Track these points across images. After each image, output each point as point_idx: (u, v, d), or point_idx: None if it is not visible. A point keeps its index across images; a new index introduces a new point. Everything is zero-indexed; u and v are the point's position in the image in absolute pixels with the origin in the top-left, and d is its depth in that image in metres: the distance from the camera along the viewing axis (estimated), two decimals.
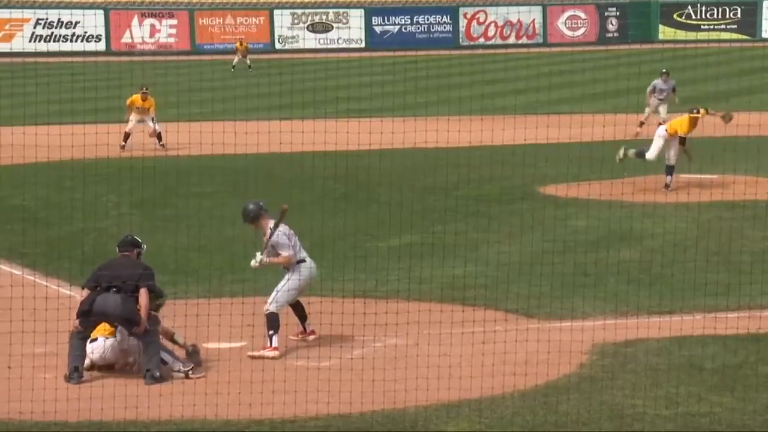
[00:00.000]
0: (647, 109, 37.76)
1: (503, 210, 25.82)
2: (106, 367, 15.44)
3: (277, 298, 16.09)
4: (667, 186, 27.61)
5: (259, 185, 29.08)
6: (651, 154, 27.81)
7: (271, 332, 15.94)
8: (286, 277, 16.21)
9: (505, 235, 23.16)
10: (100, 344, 15.28)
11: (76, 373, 15.05)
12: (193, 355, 15.52)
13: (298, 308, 16.54)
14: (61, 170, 29.07)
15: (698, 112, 27.94)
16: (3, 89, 40.61)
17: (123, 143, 34.87)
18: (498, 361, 14.94)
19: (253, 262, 16.19)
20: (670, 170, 27.78)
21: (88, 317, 15.22)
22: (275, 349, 15.92)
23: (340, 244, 22.39)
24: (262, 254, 16.14)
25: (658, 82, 37.85)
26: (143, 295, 15.19)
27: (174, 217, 25.30)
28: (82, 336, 15.26)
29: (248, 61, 65.94)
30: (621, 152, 27.68)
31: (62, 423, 13.57)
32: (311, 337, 16.52)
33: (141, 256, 15.81)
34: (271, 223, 16.21)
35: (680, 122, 27.99)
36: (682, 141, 27.67)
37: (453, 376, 14.44)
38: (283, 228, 16.20)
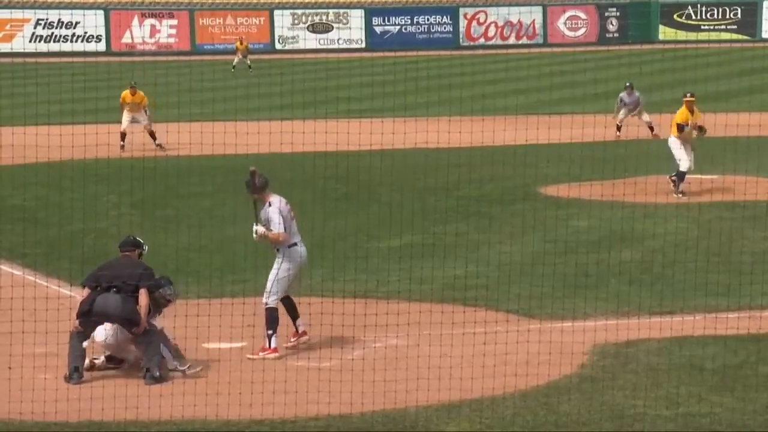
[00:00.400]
0: (620, 115, 37.67)
1: (504, 210, 25.81)
2: (113, 360, 15.40)
3: (272, 290, 15.96)
4: (681, 191, 26.96)
5: None
6: (683, 165, 26.95)
7: (270, 332, 15.88)
8: (276, 264, 16.06)
9: (505, 235, 23.15)
10: (103, 327, 15.20)
11: (76, 373, 15.04)
12: (176, 353, 15.41)
13: (290, 307, 16.29)
14: (61, 170, 29.06)
15: (692, 96, 27.56)
16: (3, 89, 40.60)
17: (122, 143, 35.10)
18: (498, 362, 14.93)
19: (254, 236, 16.07)
20: (681, 176, 27.25)
21: (89, 317, 15.21)
22: (275, 350, 15.88)
23: (341, 244, 22.38)
24: (257, 225, 16.01)
25: (623, 95, 37.67)
26: (143, 295, 15.19)
27: (174, 217, 25.29)
28: (82, 336, 15.25)
29: (248, 62, 65.95)
30: (678, 195, 26.94)
31: (62, 423, 13.56)
32: (303, 339, 16.29)
33: (142, 257, 15.81)
34: (272, 198, 16.09)
35: (677, 115, 27.64)
36: (680, 129, 27.30)
37: (453, 377, 14.43)
38: (279, 205, 16.04)
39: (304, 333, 16.41)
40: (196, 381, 14.99)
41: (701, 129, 27.38)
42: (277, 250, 16.10)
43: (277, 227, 15.92)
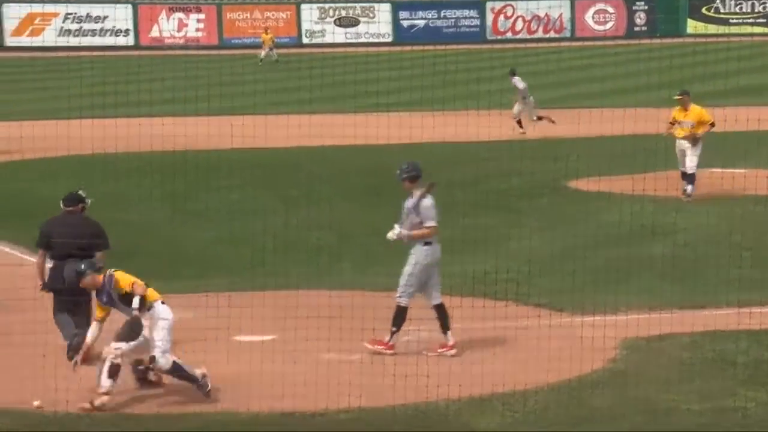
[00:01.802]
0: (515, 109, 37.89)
1: (532, 204, 25.76)
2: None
3: (407, 285, 15.64)
4: (687, 194, 26.42)
5: (288, 179, 29.10)
6: (682, 165, 26.69)
7: (394, 329, 15.60)
8: (412, 260, 15.71)
9: (534, 229, 23.09)
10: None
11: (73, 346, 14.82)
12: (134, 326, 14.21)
13: (443, 317, 15.85)
14: (92, 163, 29.13)
15: (679, 95, 27.10)
16: (32, 83, 40.80)
17: None
18: (527, 356, 14.90)
19: (390, 234, 15.82)
20: (690, 179, 26.71)
21: (61, 292, 15.12)
22: (391, 347, 15.64)
23: (370, 239, 22.34)
24: (401, 226, 15.74)
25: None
26: (100, 259, 15.13)
27: (203, 210, 25.34)
28: (67, 310, 15.17)
29: (275, 55, 66.00)
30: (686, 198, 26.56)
31: (86, 418, 13.58)
32: (450, 352, 15.66)
33: (85, 211, 15.80)
34: (418, 192, 15.83)
35: (674, 114, 27.33)
36: (672, 124, 26.99)
37: (483, 371, 14.41)
38: (432, 200, 15.82)
39: (452, 346, 15.80)
40: (225, 374, 15.00)
41: (688, 134, 26.71)
42: (412, 252, 15.75)
43: (432, 221, 15.64)
